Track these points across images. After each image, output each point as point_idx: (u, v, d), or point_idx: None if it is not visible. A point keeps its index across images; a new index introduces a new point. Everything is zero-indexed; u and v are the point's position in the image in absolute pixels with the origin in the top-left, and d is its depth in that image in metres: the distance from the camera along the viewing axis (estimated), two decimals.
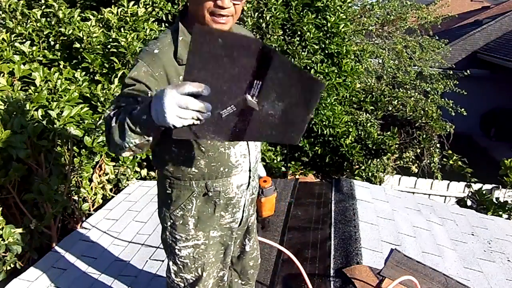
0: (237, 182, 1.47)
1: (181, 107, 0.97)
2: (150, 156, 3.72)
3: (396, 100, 6.17)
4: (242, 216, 1.56)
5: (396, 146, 5.12)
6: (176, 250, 1.50)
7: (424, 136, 6.19)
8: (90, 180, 3.32)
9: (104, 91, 3.39)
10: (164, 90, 0.99)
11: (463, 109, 7.41)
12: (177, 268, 1.54)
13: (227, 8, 1.23)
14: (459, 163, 5.64)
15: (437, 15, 9.17)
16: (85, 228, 3.02)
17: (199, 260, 1.53)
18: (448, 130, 6.23)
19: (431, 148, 6.31)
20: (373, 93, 6.03)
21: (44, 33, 3.69)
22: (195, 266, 1.53)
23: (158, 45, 1.29)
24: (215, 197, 1.44)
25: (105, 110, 1.08)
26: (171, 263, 1.55)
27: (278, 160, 4.62)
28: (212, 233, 1.52)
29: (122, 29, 3.83)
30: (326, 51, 4.72)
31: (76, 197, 3.21)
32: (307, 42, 4.48)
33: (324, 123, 4.52)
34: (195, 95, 0.98)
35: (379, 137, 4.95)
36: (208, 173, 1.40)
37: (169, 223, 1.48)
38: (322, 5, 4.67)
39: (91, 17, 3.92)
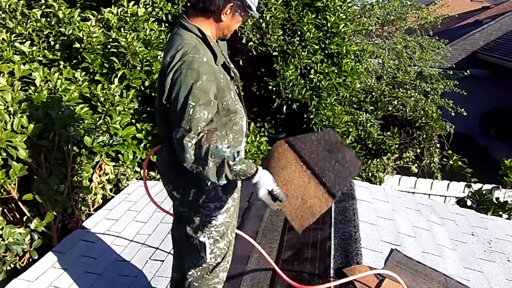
0: (243, 146, 1.78)
1: (270, 195, 1.50)
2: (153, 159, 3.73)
3: (396, 100, 6.17)
4: None
5: (396, 146, 5.13)
6: (213, 221, 1.70)
7: (424, 136, 6.19)
8: (90, 180, 3.32)
9: (104, 91, 3.39)
10: (271, 181, 1.50)
11: (463, 109, 7.41)
12: (213, 241, 1.72)
13: None
14: (459, 163, 5.64)
15: (437, 15, 9.17)
16: (85, 228, 3.02)
17: (231, 223, 1.77)
18: (448, 130, 6.23)
19: (431, 148, 6.31)
20: (373, 93, 6.03)
21: (44, 33, 3.69)
22: (228, 230, 1.75)
23: (201, 53, 1.53)
24: None
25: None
26: (206, 239, 1.71)
27: None
28: (234, 195, 1.76)
29: (122, 29, 3.83)
30: (326, 51, 4.71)
31: (76, 197, 3.21)
32: (307, 42, 4.47)
33: (324, 123, 4.52)
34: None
35: (379, 137, 4.95)
36: (234, 145, 1.68)
37: (201, 200, 1.67)
38: (322, 5, 4.66)
39: (91, 17, 3.92)
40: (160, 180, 1.87)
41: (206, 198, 1.67)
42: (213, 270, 1.77)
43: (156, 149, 2.02)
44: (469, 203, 4.81)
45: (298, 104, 4.51)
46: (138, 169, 3.82)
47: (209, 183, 1.64)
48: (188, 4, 1.68)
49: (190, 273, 1.78)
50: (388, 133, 5.05)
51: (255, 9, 1.63)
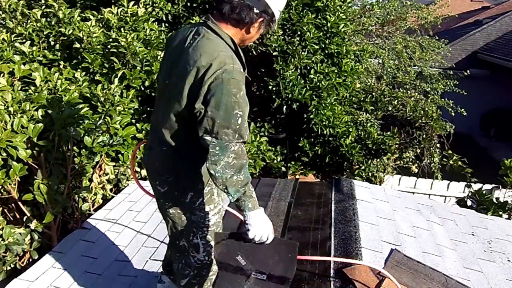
0: None
1: (263, 232, 1.59)
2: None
3: (396, 100, 6.16)
4: None
5: (396, 146, 5.13)
6: (207, 221, 1.77)
7: (424, 136, 6.19)
8: (90, 180, 3.32)
9: (104, 91, 3.39)
10: (269, 228, 1.61)
11: (463, 109, 7.41)
12: (206, 241, 1.78)
13: None
14: (459, 163, 5.64)
15: (437, 15, 9.17)
16: (85, 228, 3.02)
17: (221, 222, 1.86)
18: (448, 130, 6.22)
19: (431, 148, 6.31)
20: (373, 93, 6.03)
21: (44, 33, 3.69)
22: (218, 229, 1.83)
23: (238, 63, 1.58)
24: None
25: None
26: (199, 240, 1.77)
27: (278, 160, 4.62)
28: (224, 196, 1.83)
29: (122, 29, 3.83)
30: (326, 51, 4.71)
31: (76, 197, 3.21)
32: (307, 42, 4.47)
33: (324, 123, 4.52)
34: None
35: (379, 137, 4.95)
36: None
37: (198, 202, 1.73)
38: (322, 5, 4.66)
39: (91, 17, 3.92)
40: (149, 180, 1.86)
41: (202, 201, 1.73)
42: (208, 266, 1.83)
43: (141, 144, 2.00)
44: (469, 203, 4.81)
45: (298, 104, 4.51)
46: (138, 169, 3.82)
47: (207, 188, 1.75)
48: (213, 11, 1.68)
49: (186, 272, 1.83)
50: (388, 133, 5.05)
51: (277, 23, 1.75)
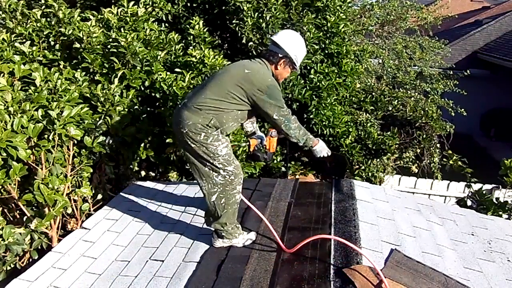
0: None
1: (324, 152, 2.85)
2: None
3: (396, 100, 6.16)
4: None
5: (396, 146, 5.12)
6: (219, 151, 2.52)
7: (424, 136, 6.19)
8: (90, 180, 3.32)
9: (104, 91, 3.39)
10: (326, 147, 2.85)
11: (463, 109, 7.41)
12: (221, 165, 2.53)
13: None
14: (459, 163, 5.64)
15: (437, 16, 9.17)
16: (85, 228, 3.02)
17: (232, 154, 2.61)
18: (448, 130, 6.22)
19: (431, 148, 6.31)
20: (373, 93, 6.02)
21: (44, 33, 3.70)
22: (231, 159, 2.57)
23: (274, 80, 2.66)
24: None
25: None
26: (216, 163, 2.52)
27: (278, 160, 4.62)
28: (227, 138, 2.69)
29: (122, 29, 3.83)
30: (326, 51, 4.71)
31: (76, 197, 3.22)
32: (307, 42, 4.47)
33: (324, 123, 4.52)
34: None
35: (379, 137, 4.95)
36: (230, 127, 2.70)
37: (209, 140, 2.49)
38: (322, 5, 4.66)
39: (91, 17, 3.92)
40: (175, 127, 2.58)
41: (212, 139, 2.50)
42: (228, 184, 2.55)
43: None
44: (469, 203, 4.81)
45: (298, 104, 4.51)
46: (138, 169, 3.82)
47: (214, 132, 2.52)
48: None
49: (214, 190, 2.55)
50: (388, 133, 5.04)
51: (298, 66, 2.74)
